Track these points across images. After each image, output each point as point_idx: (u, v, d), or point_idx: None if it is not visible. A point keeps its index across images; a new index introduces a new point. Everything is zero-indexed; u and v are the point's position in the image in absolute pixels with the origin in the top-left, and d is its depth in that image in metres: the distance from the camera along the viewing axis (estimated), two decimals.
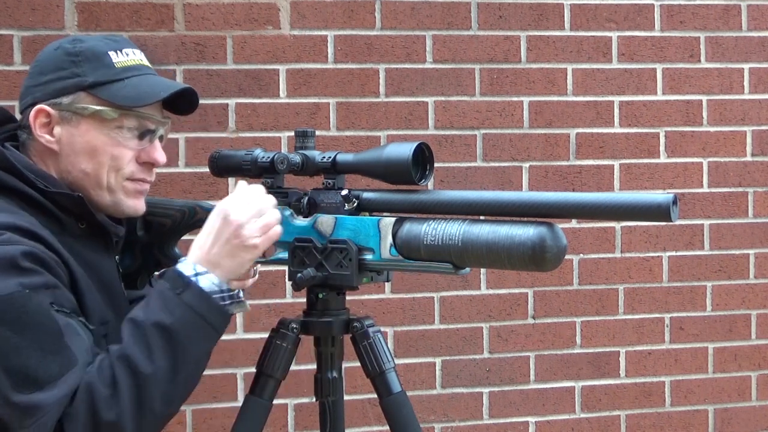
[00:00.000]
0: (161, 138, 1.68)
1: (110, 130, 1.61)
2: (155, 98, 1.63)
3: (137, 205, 1.67)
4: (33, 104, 1.62)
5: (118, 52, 1.64)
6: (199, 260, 1.55)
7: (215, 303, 1.52)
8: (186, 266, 1.54)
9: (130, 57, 1.65)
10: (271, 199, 1.61)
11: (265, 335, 1.73)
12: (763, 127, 3.23)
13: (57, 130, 1.61)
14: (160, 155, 1.66)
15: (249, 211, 1.57)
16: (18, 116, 1.68)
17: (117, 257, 1.75)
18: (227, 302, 1.54)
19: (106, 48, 1.63)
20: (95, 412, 1.43)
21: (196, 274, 1.53)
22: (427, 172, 1.58)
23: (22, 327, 1.43)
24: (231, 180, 2.80)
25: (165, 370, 1.46)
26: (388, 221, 1.57)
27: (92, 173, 1.61)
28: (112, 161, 1.61)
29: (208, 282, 1.52)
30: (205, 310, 1.51)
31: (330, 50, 2.93)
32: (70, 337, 1.46)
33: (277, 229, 1.60)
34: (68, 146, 1.61)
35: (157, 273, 1.92)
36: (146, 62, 1.68)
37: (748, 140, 3.22)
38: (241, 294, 1.57)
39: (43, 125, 1.61)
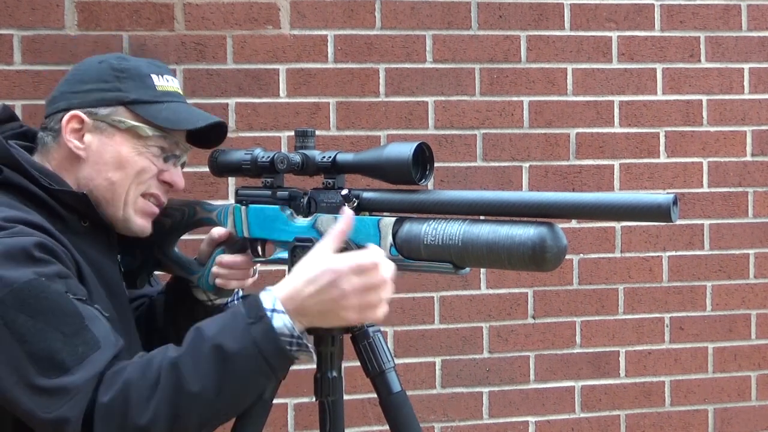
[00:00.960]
0: (183, 164, 1.75)
1: (142, 147, 1.66)
2: (193, 125, 1.69)
3: (145, 226, 1.71)
4: (67, 109, 1.66)
5: (160, 76, 1.71)
6: (285, 299, 1.46)
7: (281, 345, 1.45)
8: (268, 297, 1.47)
9: (170, 83, 1.72)
10: (388, 273, 1.49)
11: None
12: (763, 127, 3.23)
13: (88, 137, 1.65)
14: (180, 179, 1.72)
15: (360, 285, 1.46)
16: (19, 116, 1.70)
17: (119, 256, 1.75)
18: (294, 348, 1.46)
19: (148, 70, 1.70)
20: (128, 411, 1.40)
21: (273, 310, 1.46)
22: (427, 172, 1.58)
23: (43, 312, 1.43)
24: (231, 180, 2.80)
25: (210, 393, 1.42)
26: (388, 221, 1.57)
27: (117, 183, 1.65)
28: (138, 175, 1.66)
29: (281, 322, 1.45)
30: (269, 350, 1.44)
31: (330, 50, 2.93)
32: (90, 320, 1.46)
33: (378, 313, 1.49)
34: (97, 154, 1.65)
35: (157, 277, 1.94)
36: (181, 92, 1.76)
37: (748, 140, 3.22)
38: (310, 345, 1.49)
39: (74, 131, 1.65)
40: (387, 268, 1.47)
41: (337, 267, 1.45)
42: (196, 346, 1.44)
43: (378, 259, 1.46)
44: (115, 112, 1.65)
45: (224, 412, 1.47)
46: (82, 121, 1.65)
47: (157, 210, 1.72)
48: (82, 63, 1.74)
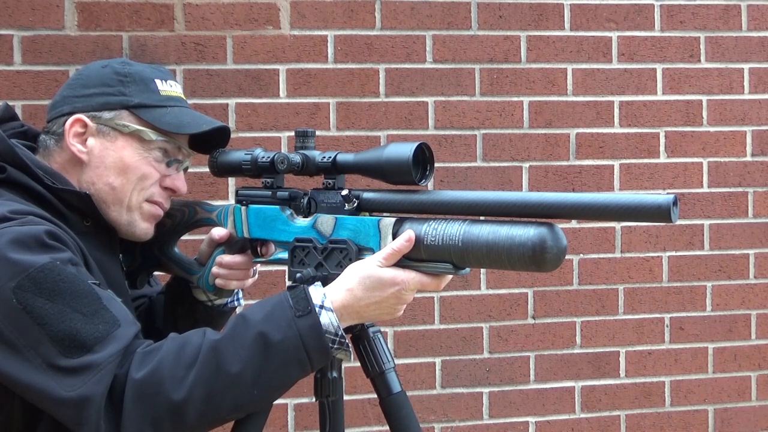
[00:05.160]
0: (186, 169, 1.75)
1: (144, 151, 1.67)
2: (197, 129, 1.69)
3: (148, 230, 1.72)
4: (70, 113, 1.66)
5: (163, 81, 1.72)
6: (334, 296, 1.52)
7: (324, 342, 1.49)
8: (317, 293, 1.52)
9: (173, 88, 1.73)
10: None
11: None
12: (763, 127, 3.23)
13: (91, 141, 1.66)
14: (182, 185, 1.73)
15: (414, 291, 1.56)
16: (19, 117, 1.70)
17: (120, 256, 1.76)
18: (335, 346, 1.51)
19: (152, 75, 1.71)
20: (162, 388, 1.42)
21: (322, 306, 1.51)
22: (427, 172, 1.58)
23: (61, 294, 1.44)
24: (231, 180, 2.80)
25: (247, 378, 1.45)
26: (388, 221, 1.57)
27: (119, 188, 1.66)
28: (140, 180, 1.67)
29: (328, 318, 1.50)
30: (312, 344, 1.48)
31: (330, 50, 2.93)
32: (108, 301, 1.48)
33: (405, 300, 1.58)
34: (99, 158, 1.66)
35: (156, 277, 1.93)
36: (184, 97, 1.77)
37: (748, 140, 3.22)
38: (350, 345, 1.55)
39: (78, 134, 1.66)
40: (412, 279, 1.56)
41: (404, 282, 1.53)
42: (238, 331, 1.47)
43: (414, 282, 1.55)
44: (118, 116, 1.66)
45: (256, 399, 1.49)
46: (85, 125, 1.66)
47: (161, 213, 1.73)
48: (85, 67, 1.74)
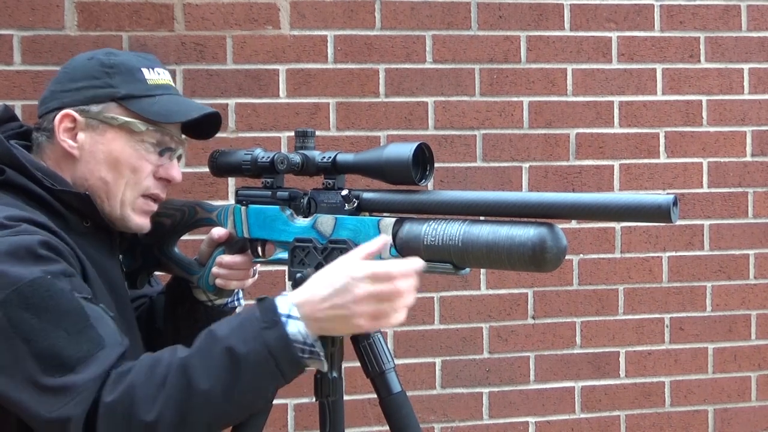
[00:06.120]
0: (179, 157, 1.73)
1: (135, 143, 1.65)
2: (186, 117, 1.67)
3: (143, 224, 1.70)
4: (59, 108, 1.64)
5: (150, 69, 1.69)
6: (300, 304, 1.46)
7: (293, 352, 1.44)
8: (284, 302, 1.47)
9: (161, 76, 1.70)
10: (408, 287, 1.48)
11: None
12: (763, 127, 3.23)
13: (81, 136, 1.64)
14: (177, 173, 1.70)
15: (373, 292, 1.45)
16: (19, 117, 1.69)
17: (120, 257, 1.75)
18: (306, 355, 1.46)
19: (138, 64, 1.68)
20: (134, 409, 1.40)
21: (289, 316, 1.46)
22: (427, 173, 1.58)
23: (48, 311, 1.42)
24: (231, 180, 2.80)
25: (218, 394, 1.41)
26: (388, 221, 1.57)
27: (111, 182, 1.64)
28: (132, 174, 1.65)
29: (295, 328, 1.45)
30: (281, 355, 1.44)
31: (330, 50, 2.93)
32: (96, 319, 1.46)
33: (392, 320, 1.48)
34: (89, 153, 1.64)
35: (157, 277, 1.93)
36: (173, 83, 1.74)
37: (748, 140, 3.22)
38: (322, 353, 1.48)
39: (67, 130, 1.64)
40: (406, 280, 1.46)
41: (352, 272, 1.45)
42: (206, 346, 1.43)
43: (396, 270, 1.46)
44: (106, 109, 1.64)
45: (231, 415, 1.46)
46: (74, 120, 1.63)
47: (155, 207, 1.71)
48: (71, 61, 1.71)
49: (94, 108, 1.63)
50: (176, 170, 1.70)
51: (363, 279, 1.44)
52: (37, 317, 1.42)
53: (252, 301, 1.50)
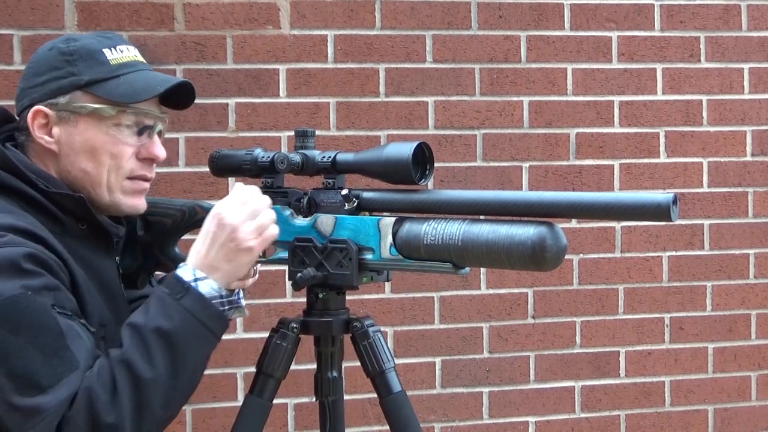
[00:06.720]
0: (160, 133, 1.69)
1: (109, 128, 1.61)
2: (152, 93, 1.63)
3: (137, 204, 1.67)
4: (30, 106, 1.62)
5: (112, 49, 1.64)
6: (197, 265, 1.55)
7: (215, 309, 1.53)
8: (185, 271, 1.55)
9: (125, 54, 1.65)
10: (266, 200, 1.61)
11: (265, 335, 1.73)
12: (763, 127, 3.23)
13: (55, 130, 1.61)
14: (160, 150, 1.67)
15: (243, 214, 1.57)
16: (15, 118, 1.68)
17: (117, 258, 1.75)
18: (226, 308, 1.55)
19: (99, 45, 1.63)
20: (95, 415, 1.43)
21: (196, 280, 1.53)
22: (427, 172, 1.58)
23: (25, 330, 1.43)
24: (231, 180, 2.80)
25: (165, 375, 1.47)
26: (388, 221, 1.57)
27: (92, 172, 1.61)
28: (112, 160, 1.62)
29: (207, 287, 1.53)
30: (205, 316, 1.51)
31: (330, 50, 2.93)
32: (71, 339, 1.46)
33: (273, 231, 1.60)
34: (67, 146, 1.61)
35: (157, 277, 1.93)
36: (140, 58, 1.69)
37: (748, 140, 3.22)
38: (241, 300, 1.58)
39: (42, 126, 1.61)
40: (256, 191, 1.61)
41: (216, 210, 1.58)
42: (136, 337, 1.48)
43: (247, 185, 1.61)
44: (74, 98, 1.60)
45: (182, 389, 1.50)
46: (46, 116, 1.60)
47: (146, 186, 1.68)
48: (35, 54, 1.67)
49: (62, 99, 1.60)
50: (158, 148, 1.67)
51: (226, 209, 1.56)
52: (13, 335, 1.42)
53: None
